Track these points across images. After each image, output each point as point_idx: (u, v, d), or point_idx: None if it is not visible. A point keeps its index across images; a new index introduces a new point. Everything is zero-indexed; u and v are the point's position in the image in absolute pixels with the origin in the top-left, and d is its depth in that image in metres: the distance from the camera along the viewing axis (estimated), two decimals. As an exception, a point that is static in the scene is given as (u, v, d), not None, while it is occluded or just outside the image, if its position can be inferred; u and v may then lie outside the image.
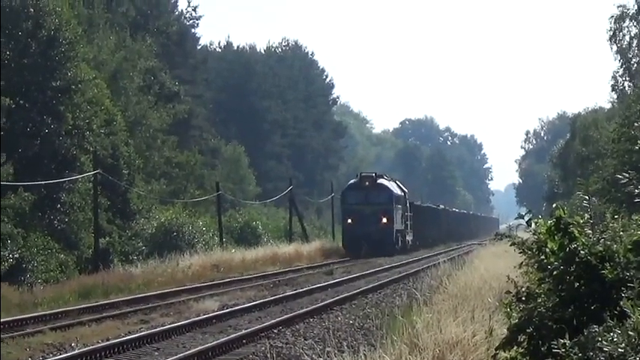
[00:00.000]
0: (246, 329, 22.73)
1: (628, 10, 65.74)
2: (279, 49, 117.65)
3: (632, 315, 7.76)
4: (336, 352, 14.96)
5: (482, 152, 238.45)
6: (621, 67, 66.44)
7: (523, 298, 9.00)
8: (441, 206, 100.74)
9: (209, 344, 20.09)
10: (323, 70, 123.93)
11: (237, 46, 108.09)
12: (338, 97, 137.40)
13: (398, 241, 64.02)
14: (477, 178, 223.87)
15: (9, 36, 42.75)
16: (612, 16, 66.09)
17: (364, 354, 13.67)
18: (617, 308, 8.19)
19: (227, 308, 27.98)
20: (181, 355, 18.79)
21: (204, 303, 29.89)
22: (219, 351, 19.75)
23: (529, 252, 9.20)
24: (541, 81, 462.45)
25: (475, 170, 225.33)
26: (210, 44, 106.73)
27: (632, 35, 66.15)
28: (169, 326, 23.25)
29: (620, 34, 66.04)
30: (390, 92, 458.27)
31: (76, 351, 19.74)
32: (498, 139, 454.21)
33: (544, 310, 8.69)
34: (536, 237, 9.15)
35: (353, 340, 19.60)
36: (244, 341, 21.03)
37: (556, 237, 8.96)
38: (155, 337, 21.70)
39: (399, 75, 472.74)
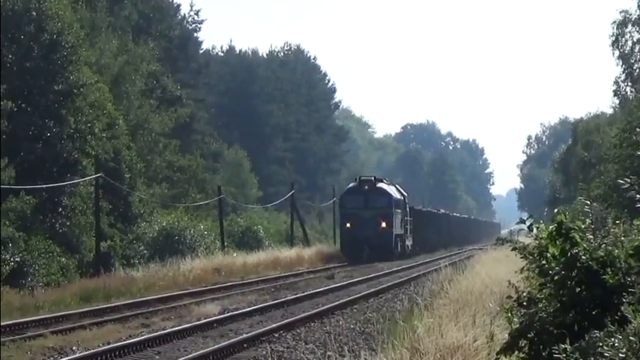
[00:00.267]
0: (247, 333, 22.72)
1: (630, 15, 65.85)
2: (282, 54, 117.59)
3: (633, 320, 7.76)
4: (337, 356, 14.98)
5: (484, 157, 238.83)
6: (623, 72, 66.51)
7: (524, 303, 9.00)
8: (442, 211, 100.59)
9: (210, 348, 20.11)
10: (325, 75, 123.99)
11: (240, 50, 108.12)
12: (340, 102, 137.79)
13: (397, 245, 63.56)
14: (478, 183, 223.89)
15: (11, 39, 42.75)
16: (614, 22, 66.24)
17: (365, 358, 13.68)
18: (619, 313, 8.20)
19: (228, 312, 27.97)
20: (182, 359, 18.81)
21: (205, 307, 29.90)
22: (220, 355, 19.76)
23: (530, 257, 9.21)
24: (543, 86, 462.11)
25: (477, 175, 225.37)
26: (213, 48, 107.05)
27: (635, 41, 66.25)
28: (170, 330, 23.26)
29: (623, 39, 66.13)
30: (391, 97, 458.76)
31: (77, 354, 19.75)
32: (500, 143, 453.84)
33: (545, 315, 8.69)
34: (537, 242, 9.15)
35: (354, 345, 19.62)
36: (245, 345, 21.03)
37: (557, 242, 8.96)
38: (156, 341, 21.72)
39: (400, 79, 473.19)
